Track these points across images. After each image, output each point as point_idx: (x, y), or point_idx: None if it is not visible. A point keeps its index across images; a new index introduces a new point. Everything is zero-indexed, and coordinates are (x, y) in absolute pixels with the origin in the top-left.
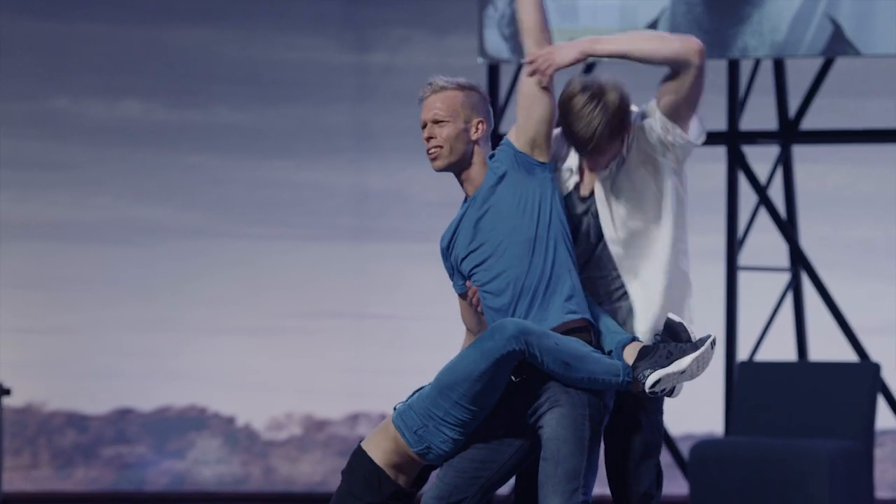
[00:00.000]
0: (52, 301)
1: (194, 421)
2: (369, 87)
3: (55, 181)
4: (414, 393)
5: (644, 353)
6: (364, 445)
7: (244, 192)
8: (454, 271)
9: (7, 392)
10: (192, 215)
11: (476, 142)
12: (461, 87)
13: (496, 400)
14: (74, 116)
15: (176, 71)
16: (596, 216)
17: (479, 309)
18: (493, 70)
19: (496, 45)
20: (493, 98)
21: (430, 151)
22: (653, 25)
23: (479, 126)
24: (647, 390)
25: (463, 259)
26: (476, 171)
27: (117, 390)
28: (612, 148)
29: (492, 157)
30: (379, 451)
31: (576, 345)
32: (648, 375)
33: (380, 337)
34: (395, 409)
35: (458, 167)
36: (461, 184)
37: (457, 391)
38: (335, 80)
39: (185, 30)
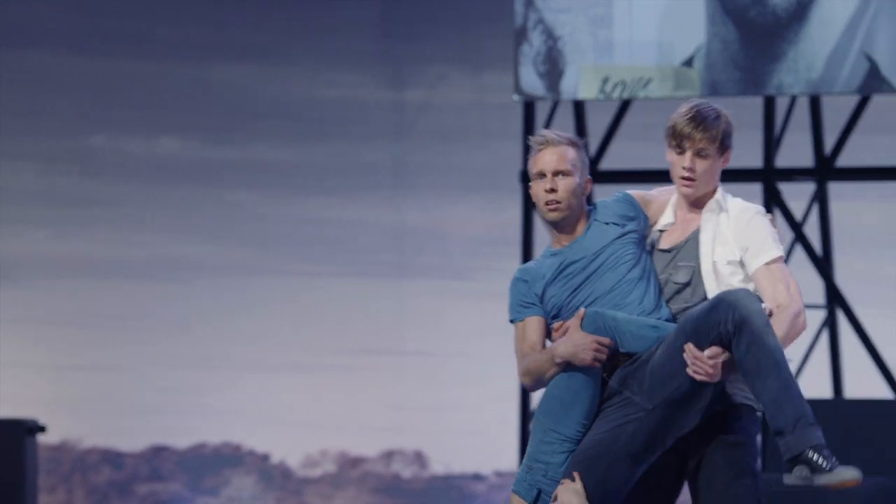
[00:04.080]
0: (89, 338)
1: (229, 458)
2: (406, 123)
3: (94, 218)
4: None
5: None
6: None
7: (283, 229)
8: (531, 305)
9: (42, 429)
10: (231, 252)
11: (586, 197)
12: (575, 145)
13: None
14: (113, 154)
15: (215, 108)
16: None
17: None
18: (529, 107)
19: (532, 82)
20: (527, 136)
21: (549, 203)
22: (689, 62)
23: (588, 184)
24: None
25: (562, 304)
26: (581, 225)
27: (153, 427)
28: (717, 165)
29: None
30: None
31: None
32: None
33: (417, 373)
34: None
35: (570, 220)
36: (558, 232)
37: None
38: (373, 118)
39: (225, 67)
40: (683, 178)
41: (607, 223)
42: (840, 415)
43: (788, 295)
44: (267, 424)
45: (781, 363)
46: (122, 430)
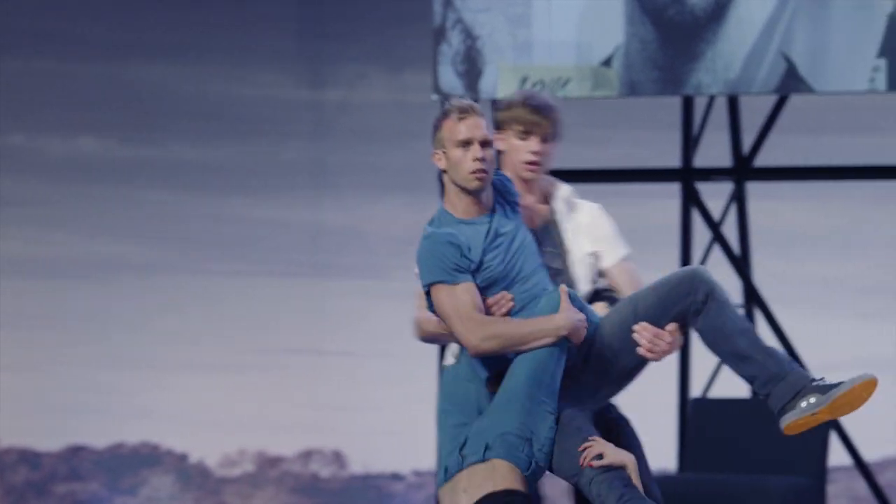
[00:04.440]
0: (6, 337)
1: (147, 458)
2: (325, 123)
3: (11, 217)
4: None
5: None
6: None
7: (201, 229)
8: (465, 272)
9: None
10: (149, 252)
11: None
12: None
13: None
14: (31, 153)
15: (133, 107)
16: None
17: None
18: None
19: (450, 81)
20: None
21: (477, 172)
22: (607, 62)
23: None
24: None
25: (497, 277)
26: (489, 196)
27: (70, 427)
28: (555, 151)
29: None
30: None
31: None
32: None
33: (336, 373)
34: (461, 454)
35: (488, 191)
36: (473, 202)
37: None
38: (292, 117)
39: (142, 66)
40: (530, 162)
41: (510, 200)
42: (758, 414)
43: None
44: (185, 424)
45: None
46: (40, 430)
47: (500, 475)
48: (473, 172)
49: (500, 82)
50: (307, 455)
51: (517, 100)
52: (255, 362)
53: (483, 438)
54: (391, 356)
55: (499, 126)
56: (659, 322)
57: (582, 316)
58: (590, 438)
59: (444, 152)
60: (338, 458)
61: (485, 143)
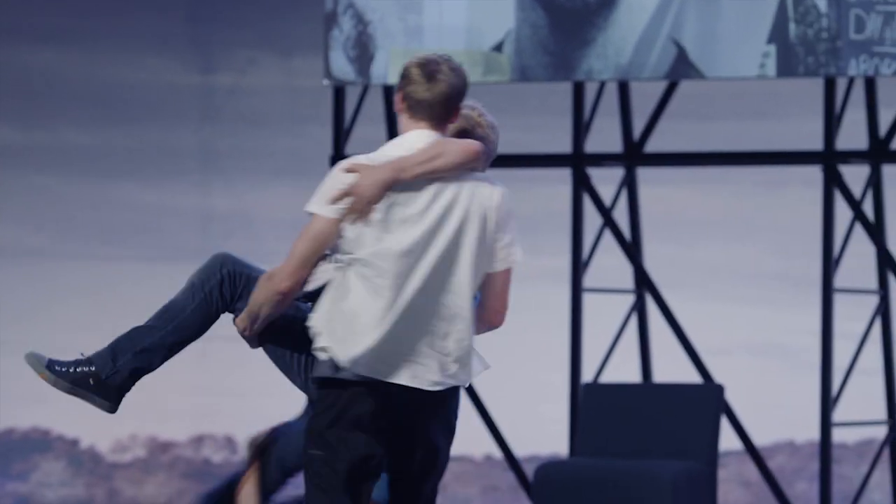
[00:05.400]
0: None
1: (38, 443)
2: (215, 108)
3: None
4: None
5: None
6: None
7: (89, 213)
8: None
9: None
10: (38, 236)
11: None
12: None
13: None
14: None
15: (21, 92)
16: None
17: None
18: (339, 92)
19: (342, 67)
20: (337, 120)
21: None
22: (498, 47)
23: None
24: None
25: None
26: None
27: None
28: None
29: None
30: None
31: None
32: None
33: (225, 358)
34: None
35: None
36: None
37: None
38: (181, 101)
39: (30, 51)
40: None
41: None
42: (649, 399)
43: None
44: (76, 410)
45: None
46: None
47: None
48: None
49: (391, 67)
50: (199, 440)
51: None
52: None
53: None
54: None
55: None
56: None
57: None
58: None
59: None
60: (229, 443)
61: None
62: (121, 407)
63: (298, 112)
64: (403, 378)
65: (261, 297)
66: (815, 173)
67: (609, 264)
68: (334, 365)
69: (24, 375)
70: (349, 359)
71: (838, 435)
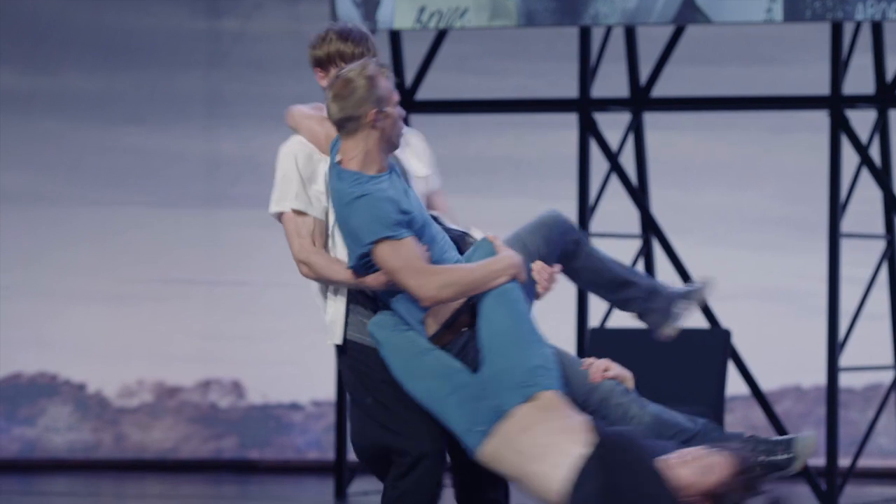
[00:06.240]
0: None
1: (45, 388)
2: (221, 53)
3: None
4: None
5: None
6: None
7: (95, 159)
8: (407, 226)
9: None
10: (43, 182)
11: None
12: None
13: None
14: None
15: (26, 37)
16: None
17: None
18: None
19: (348, 11)
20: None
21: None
22: None
23: None
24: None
25: (418, 224)
26: None
27: None
28: None
29: None
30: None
31: None
32: None
33: (232, 304)
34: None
35: None
36: (386, 156)
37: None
38: (187, 47)
39: None
40: None
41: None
42: (655, 344)
43: None
44: (83, 354)
45: None
46: None
47: (555, 402)
48: (401, 134)
49: (397, 12)
50: (206, 385)
51: (332, 34)
52: (152, 293)
53: (505, 384)
54: (288, 286)
55: (320, 63)
56: (548, 261)
57: (520, 256)
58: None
59: (383, 111)
60: (236, 387)
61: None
62: (128, 351)
63: (304, 57)
64: None
65: None
66: (821, 118)
67: (615, 209)
68: None
69: (29, 320)
70: None
71: (845, 380)
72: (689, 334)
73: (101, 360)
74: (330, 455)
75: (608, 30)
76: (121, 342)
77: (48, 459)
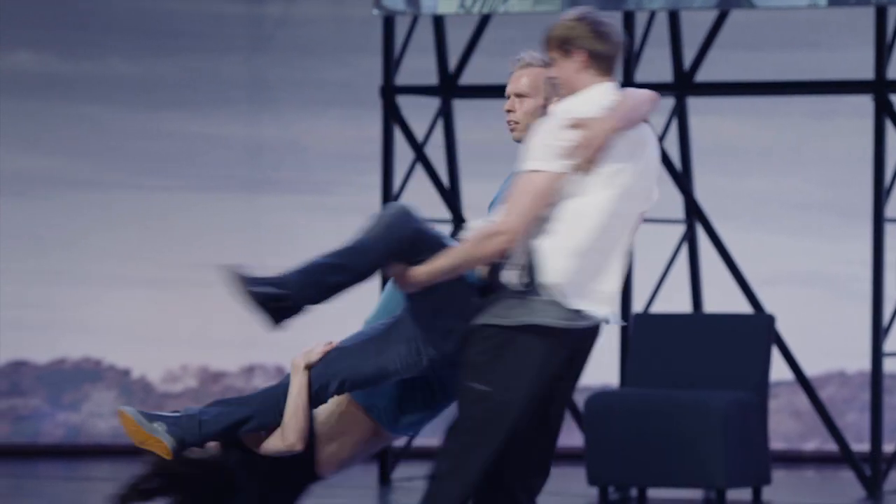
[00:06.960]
0: None
1: (89, 373)
2: (264, 38)
3: None
4: None
5: None
6: None
7: (137, 144)
8: None
9: None
10: (86, 166)
11: None
12: (547, 66)
13: None
14: None
15: (69, 22)
16: None
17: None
18: (389, 22)
19: None
20: (387, 50)
21: (508, 123)
22: None
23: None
24: None
25: None
26: None
27: (12, 342)
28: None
29: None
30: None
31: None
32: None
33: None
34: None
35: None
36: None
37: None
38: (230, 32)
39: None
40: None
41: None
42: (700, 329)
43: (502, 216)
44: (127, 340)
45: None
46: None
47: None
48: (507, 123)
49: None
50: (249, 370)
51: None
52: (196, 278)
53: None
54: None
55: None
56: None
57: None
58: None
59: None
60: (280, 373)
61: (520, 95)
62: (172, 336)
63: (348, 42)
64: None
65: (477, 253)
66: (865, 103)
67: (660, 193)
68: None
69: (73, 305)
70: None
71: (889, 365)
72: (733, 319)
73: (144, 346)
74: None
75: (652, 14)
76: (164, 327)
77: (92, 445)
